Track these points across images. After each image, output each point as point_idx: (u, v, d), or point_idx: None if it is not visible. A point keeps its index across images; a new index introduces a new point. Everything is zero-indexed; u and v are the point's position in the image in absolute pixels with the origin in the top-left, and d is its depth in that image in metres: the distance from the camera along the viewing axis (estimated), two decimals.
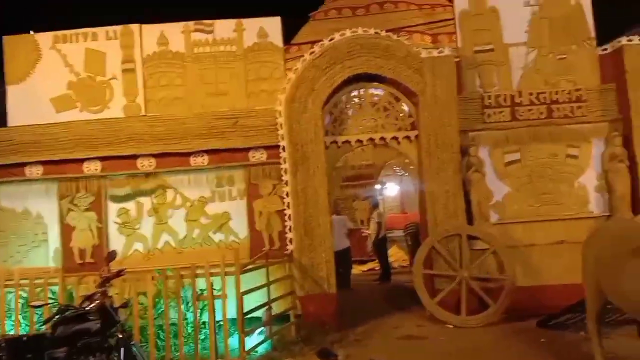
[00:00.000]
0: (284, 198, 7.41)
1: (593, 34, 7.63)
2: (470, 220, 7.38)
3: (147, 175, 7.70)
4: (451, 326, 6.96)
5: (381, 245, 11.05)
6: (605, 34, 7.98)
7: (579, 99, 7.43)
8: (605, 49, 7.60)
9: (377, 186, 15.57)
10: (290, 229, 7.32)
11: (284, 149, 7.37)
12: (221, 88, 7.89)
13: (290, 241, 7.31)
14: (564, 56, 7.59)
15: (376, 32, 7.45)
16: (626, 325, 5.67)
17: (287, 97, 7.38)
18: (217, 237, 7.67)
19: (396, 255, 12.58)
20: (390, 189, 18.75)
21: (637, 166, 7.21)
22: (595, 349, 4.56)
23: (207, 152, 7.60)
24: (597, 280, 4.34)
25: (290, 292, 7.09)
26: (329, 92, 7.43)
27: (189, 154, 7.60)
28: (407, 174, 15.07)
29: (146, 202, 7.79)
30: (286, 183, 7.35)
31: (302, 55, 7.64)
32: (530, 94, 7.49)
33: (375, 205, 11.50)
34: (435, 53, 7.50)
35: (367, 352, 6.05)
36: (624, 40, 7.34)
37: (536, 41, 7.63)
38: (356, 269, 11.97)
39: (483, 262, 7.22)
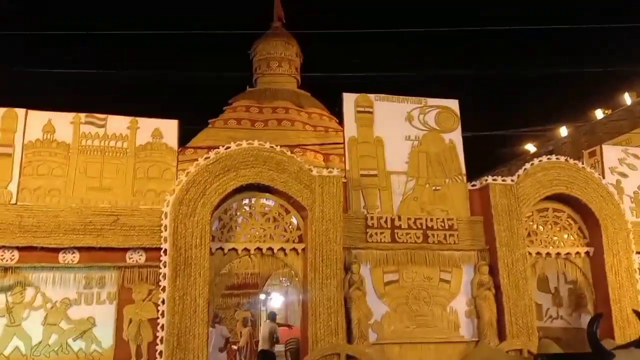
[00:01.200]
0: (159, 305, 6.95)
1: (464, 170, 8.49)
2: (349, 338, 7.36)
3: (6, 269, 6.91)
4: None
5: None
6: (475, 171, 8.94)
7: (451, 228, 8.05)
8: (474, 185, 8.47)
9: (262, 296, 15.23)
10: (161, 341, 6.79)
11: (165, 252, 7.05)
12: (105, 183, 7.54)
13: (161, 354, 6.74)
14: (439, 187, 8.32)
15: (271, 146, 7.71)
16: None
17: (176, 199, 7.22)
18: (77, 345, 6.88)
19: None
20: (275, 300, 18.44)
21: (502, 294, 7.78)
22: None
23: (80, 249, 7.04)
24: None
25: None
26: (220, 198, 7.39)
27: (58, 250, 6.98)
28: (292, 285, 14.97)
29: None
30: (163, 289, 6.93)
31: (197, 159, 7.65)
32: (409, 218, 7.99)
33: (272, 317, 11.12)
34: (325, 172, 7.87)
35: None
36: (490, 179, 8.25)
37: (414, 172, 8.33)
38: None
39: None
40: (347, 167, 8.25)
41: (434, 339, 7.64)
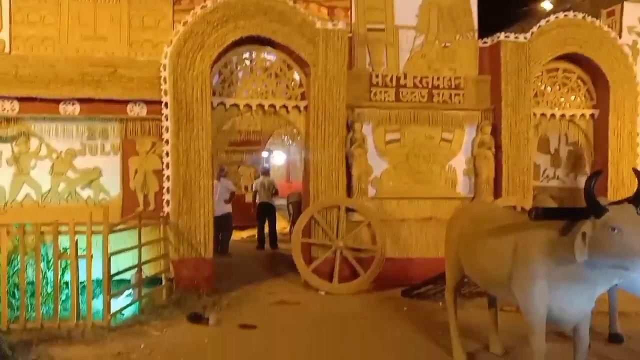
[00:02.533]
0: (163, 158, 7.06)
1: (476, 26, 8.09)
2: (349, 193, 7.61)
3: (8, 120, 6.91)
4: (323, 293, 7.19)
5: (260, 212, 10.99)
6: (485, 29, 8.50)
7: (458, 87, 7.89)
8: (485, 42, 8.12)
9: (265, 154, 15.48)
10: (168, 190, 7.01)
11: (166, 105, 6.98)
12: (100, 32, 7.23)
13: (167, 203, 7.01)
14: (448, 44, 7.99)
15: None
16: (478, 298, 6.25)
17: (174, 50, 6.97)
18: (86, 193, 7.13)
19: (278, 223, 12.63)
20: (278, 158, 18.82)
21: (502, 154, 7.87)
22: (450, 318, 4.94)
23: (80, 100, 6.96)
24: (457, 255, 4.69)
25: (163, 255, 6.84)
26: (220, 50, 7.12)
27: (58, 101, 6.90)
28: (294, 143, 15.15)
29: (5, 149, 7.01)
30: (167, 142, 6.99)
31: (194, 8, 7.23)
32: (415, 77, 7.80)
33: (265, 172, 11.34)
34: (329, 25, 7.50)
35: (239, 317, 6.05)
36: (502, 36, 7.88)
37: (424, 26, 7.94)
38: (237, 235, 11.88)
39: (358, 234, 7.51)
40: (353, 20, 7.85)
41: (431, 195, 7.88)
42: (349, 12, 8.15)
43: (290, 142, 15.65)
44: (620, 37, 8.52)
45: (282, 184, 15.29)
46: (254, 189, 11.29)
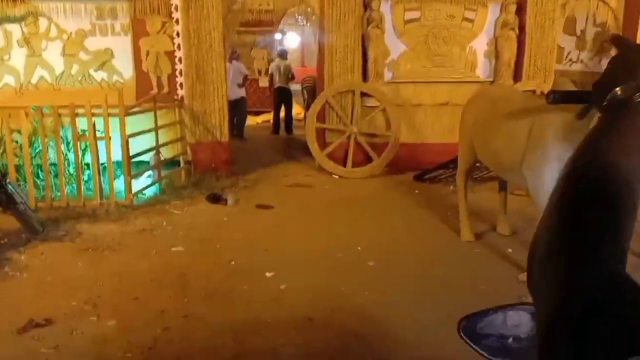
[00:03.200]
0: (174, 38, 6.88)
1: None
2: (365, 77, 7.45)
3: None
4: (337, 176, 7.35)
5: (277, 96, 10.89)
6: None
7: None
8: None
9: (278, 35, 14.96)
10: (181, 73, 6.93)
11: None
12: None
13: (181, 86, 6.96)
14: None
15: None
16: (490, 182, 6.34)
17: None
18: (99, 75, 7.08)
19: (293, 109, 12.58)
20: (292, 40, 18.20)
21: (525, 35, 7.52)
22: (460, 199, 5.07)
23: None
24: (471, 139, 4.69)
25: (180, 138, 6.94)
26: None
27: None
28: (309, 24, 14.58)
29: (15, 30, 6.88)
30: (177, 21, 6.78)
31: None
32: None
33: (281, 55, 11.02)
34: None
35: (256, 197, 6.27)
36: None
37: None
38: (252, 120, 11.92)
39: (372, 119, 7.48)
40: None
41: (449, 78, 7.68)
42: None
43: (305, 22, 15.06)
44: None
45: (297, 68, 14.92)
46: (269, 73, 11.08)
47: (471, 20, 7.60)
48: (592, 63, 8.79)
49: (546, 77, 7.50)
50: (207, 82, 6.91)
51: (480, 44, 7.70)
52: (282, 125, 10.95)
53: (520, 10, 7.48)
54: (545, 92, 6.02)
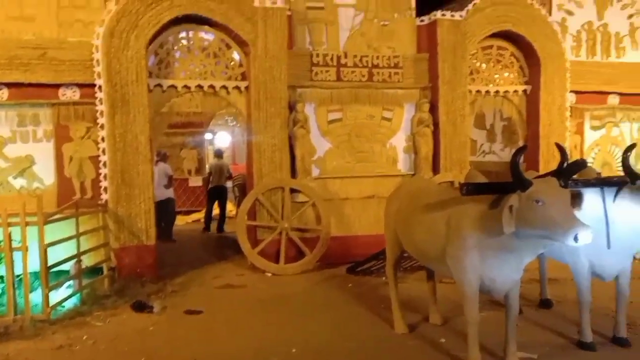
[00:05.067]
0: (99, 143, 6.83)
1: (414, 4, 8.19)
2: (293, 174, 7.64)
3: None
4: (270, 274, 7.25)
5: (212, 194, 10.91)
6: (423, 6, 8.63)
7: (396, 66, 8.00)
8: (423, 21, 8.24)
9: (209, 135, 15.21)
10: (105, 177, 6.81)
11: (100, 88, 6.74)
12: (27, 13, 6.85)
13: (106, 190, 6.82)
14: (387, 23, 8.06)
15: None
16: (419, 271, 6.48)
17: (106, 31, 6.71)
18: (18, 182, 6.83)
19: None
20: (222, 139, 18.55)
21: (440, 131, 8.08)
22: (391, 292, 5.12)
23: (8, 85, 6.62)
24: (396, 231, 4.84)
25: (103, 244, 6.68)
26: (155, 30, 6.91)
27: None
28: (238, 124, 14.98)
29: None
30: (102, 127, 6.77)
31: None
32: (355, 56, 7.85)
33: (218, 155, 11.21)
34: (268, 3, 7.40)
35: (185, 303, 6.02)
36: (439, 14, 8.02)
37: (363, 5, 7.96)
38: (182, 220, 11.73)
39: (303, 214, 7.58)
40: None
41: (373, 173, 8.03)
42: None
43: (234, 122, 15.48)
44: (550, 14, 8.85)
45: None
46: (208, 172, 11.18)
47: (389, 119, 8.12)
48: (504, 154, 9.53)
49: (462, 169, 7.99)
50: (133, 185, 6.81)
51: (400, 141, 8.18)
52: (215, 223, 10.85)
53: (434, 109, 8.09)
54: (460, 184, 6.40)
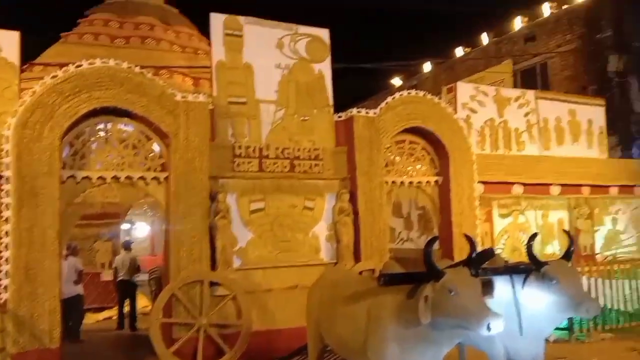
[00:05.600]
0: (2, 238, 6.36)
1: (331, 101, 8.65)
2: (214, 265, 7.44)
3: None
4: None
5: (120, 290, 10.28)
6: (344, 102, 9.15)
7: (317, 158, 8.26)
8: (340, 116, 8.68)
9: (126, 226, 14.63)
10: (7, 274, 6.28)
11: (7, 180, 6.39)
12: None
13: (6, 289, 6.26)
14: (307, 118, 8.41)
15: (129, 67, 7.14)
16: None
17: (19, 122, 6.49)
18: None
19: (139, 301, 11.85)
20: (141, 229, 17.86)
21: (359, 220, 8.28)
22: None
23: None
24: (317, 324, 4.76)
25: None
26: (71, 122, 6.79)
27: None
28: (157, 215, 14.57)
29: None
30: (6, 220, 6.35)
31: (43, 77, 6.86)
32: (277, 148, 8.04)
33: (126, 247, 10.68)
34: (190, 98, 7.54)
35: None
36: (354, 111, 8.51)
37: (284, 101, 8.30)
38: (92, 318, 10.90)
39: (223, 308, 7.30)
40: (215, 93, 7.99)
41: (296, 263, 7.98)
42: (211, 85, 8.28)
43: (153, 212, 15.06)
44: (456, 112, 9.65)
45: (146, 257, 14.46)
46: (113, 266, 10.58)
47: (311, 209, 8.24)
48: (420, 241, 9.86)
49: (382, 256, 8.15)
50: (38, 282, 6.32)
51: (322, 229, 8.27)
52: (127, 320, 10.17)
53: (353, 198, 8.33)
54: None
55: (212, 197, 7.54)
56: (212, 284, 7.27)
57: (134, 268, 10.22)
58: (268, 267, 7.83)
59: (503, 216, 10.14)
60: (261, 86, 8.21)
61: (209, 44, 8.54)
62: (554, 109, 11.31)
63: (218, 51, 8.08)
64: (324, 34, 8.77)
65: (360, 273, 7.82)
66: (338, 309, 4.34)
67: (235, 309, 7.37)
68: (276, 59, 8.37)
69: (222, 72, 8.04)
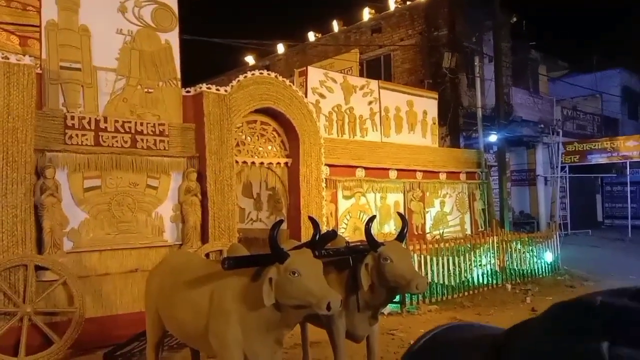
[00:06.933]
0: None
1: (179, 75, 8.22)
2: (40, 248, 6.69)
3: None
4: None
5: None
6: (194, 77, 8.76)
7: (162, 133, 7.81)
8: (189, 91, 8.30)
9: None
10: None
11: None
12: None
13: None
14: (151, 90, 7.90)
15: None
16: (186, 348, 6.12)
17: None
18: None
19: None
20: None
21: (208, 200, 8.05)
22: None
23: None
24: (157, 310, 4.51)
25: None
26: None
27: None
28: None
29: None
30: None
31: None
32: (116, 121, 7.43)
33: None
34: (13, 59, 6.61)
35: None
36: (204, 86, 8.19)
37: (125, 70, 7.69)
38: None
39: (51, 295, 6.61)
40: (45, 56, 7.11)
41: (136, 245, 7.51)
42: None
43: None
44: (306, 96, 9.82)
45: None
46: None
47: (155, 188, 7.80)
48: (269, 221, 9.92)
49: (230, 237, 8.04)
50: None
51: (166, 210, 7.88)
52: None
53: (202, 178, 8.06)
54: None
55: (39, 173, 6.75)
56: (39, 269, 6.54)
57: None
58: (104, 250, 7.26)
59: (347, 198, 10.64)
60: (99, 52, 7.50)
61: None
62: (394, 99, 12.12)
63: (49, 9, 7.21)
64: (172, 2, 8.27)
65: (208, 255, 7.66)
66: (179, 293, 4.15)
67: (66, 295, 6.73)
68: (117, 24, 7.70)
69: (54, 33, 7.18)
